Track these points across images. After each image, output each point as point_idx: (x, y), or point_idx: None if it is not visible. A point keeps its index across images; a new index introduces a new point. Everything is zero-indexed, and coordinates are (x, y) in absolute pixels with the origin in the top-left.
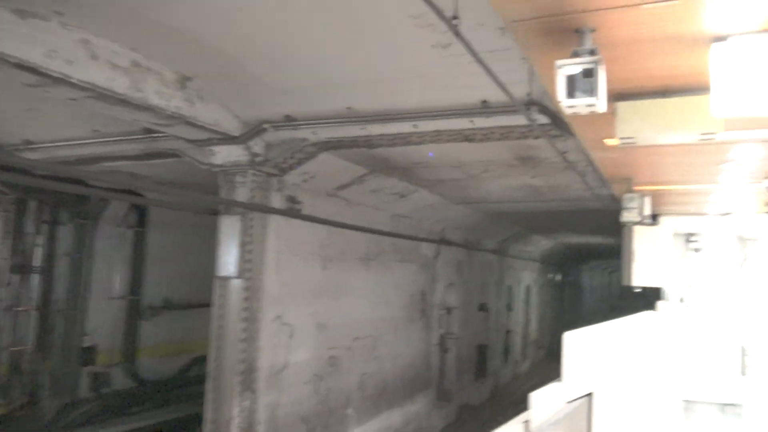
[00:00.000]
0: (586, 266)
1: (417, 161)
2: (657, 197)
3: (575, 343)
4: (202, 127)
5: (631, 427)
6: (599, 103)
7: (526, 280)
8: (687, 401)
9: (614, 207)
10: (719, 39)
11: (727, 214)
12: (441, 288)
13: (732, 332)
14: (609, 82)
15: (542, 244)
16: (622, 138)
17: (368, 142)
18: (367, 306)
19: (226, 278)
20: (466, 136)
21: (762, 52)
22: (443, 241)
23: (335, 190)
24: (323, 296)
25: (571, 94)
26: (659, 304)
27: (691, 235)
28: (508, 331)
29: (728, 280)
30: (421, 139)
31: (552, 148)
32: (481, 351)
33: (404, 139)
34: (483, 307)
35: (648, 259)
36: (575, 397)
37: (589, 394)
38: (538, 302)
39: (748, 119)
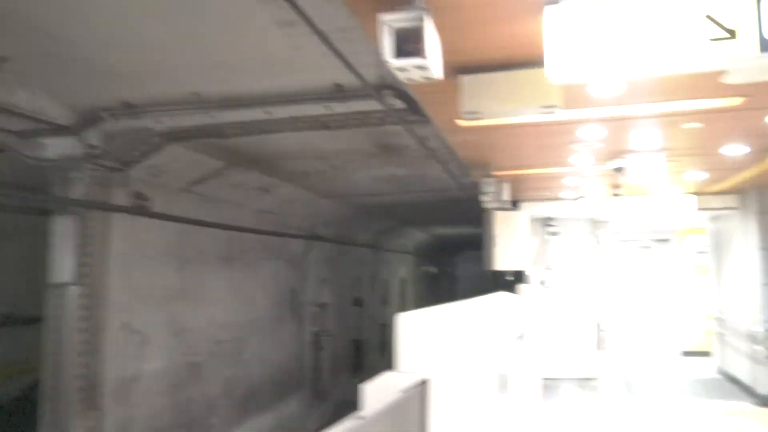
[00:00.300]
0: (460, 257)
1: (279, 152)
2: (515, 183)
3: (411, 326)
4: (24, 116)
5: (477, 412)
6: (431, 65)
7: (402, 273)
8: (546, 379)
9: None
10: (552, 2)
11: (580, 197)
12: (313, 285)
13: (588, 310)
14: (451, 53)
15: (416, 236)
16: (466, 112)
17: (219, 132)
18: (230, 307)
19: (61, 285)
20: (323, 123)
21: (593, 15)
22: (314, 237)
23: (190, 186)
24: (180, 299)
25: (399, 53)
26: (520, 287)
27: (549, 219)
28: (383, 325)
29: (583, 261)
30: (277, 126)
31: (411, 134)
32: (357, 346)
33: (258, 128)
34: (358, 302)
35: (509, 243)
36: (410, 385)
37: (425, 381)
38: (414, 294)
39: (588, 96)
